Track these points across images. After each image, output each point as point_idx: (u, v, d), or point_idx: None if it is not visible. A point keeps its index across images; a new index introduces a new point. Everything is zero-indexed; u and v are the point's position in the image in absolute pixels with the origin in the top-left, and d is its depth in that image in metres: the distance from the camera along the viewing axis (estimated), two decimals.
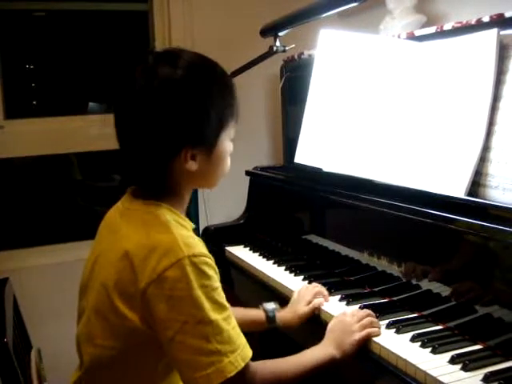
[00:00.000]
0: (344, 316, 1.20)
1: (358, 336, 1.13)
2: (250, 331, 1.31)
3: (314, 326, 1.30)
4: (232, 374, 0.91)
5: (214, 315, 0.91)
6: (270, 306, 1.34)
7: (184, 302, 0.90)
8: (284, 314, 1.33)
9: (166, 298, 0.90)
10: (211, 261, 0.95)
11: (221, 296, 0.94)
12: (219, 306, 0.93)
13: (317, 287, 1.37)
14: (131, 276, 0.92)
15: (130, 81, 0.97)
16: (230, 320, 0.94)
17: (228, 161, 1.05)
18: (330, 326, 1.19)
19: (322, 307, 1.31)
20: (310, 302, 1.33)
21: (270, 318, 1.32)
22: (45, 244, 2.22)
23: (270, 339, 1.62)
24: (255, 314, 1.34)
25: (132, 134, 0.97)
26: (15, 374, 0.94)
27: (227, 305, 0.96)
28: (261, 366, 1.00)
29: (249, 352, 0.96)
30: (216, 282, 0.94)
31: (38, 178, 2.38)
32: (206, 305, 0.90)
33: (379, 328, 1.17)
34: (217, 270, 0.96)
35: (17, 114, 2.22)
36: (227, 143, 1.03)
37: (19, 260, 2.15)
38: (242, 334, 0.97)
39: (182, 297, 0.90)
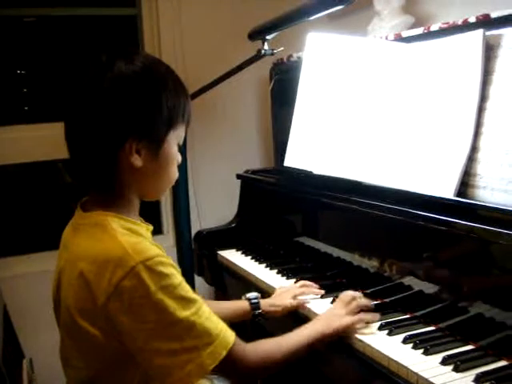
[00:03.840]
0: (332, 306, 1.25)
1: (348, 319, 1.16)
2: (237, 321, 1.31)
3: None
4: (213, 365, 0.89)
5: (183, 313, 0.89)
6: (253, 294, 1.37)
7: (146, 310, 0.87)
8: (268, 301, 1.36)
9: (127, 310, 0.87)
10: (165, 259, 0.92)
11: (186, 290, 0.92)
12: (186, 302, 0.90)
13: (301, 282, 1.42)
14: (89, 294, 0.89)
15: (81, 76, 0.96)
16: (201, 312, 0.92)
17: (175, 170, 1.03)
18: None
19: (312, 308, 1.31)
20: (295, 296, 1.36)
21: (254, 304, 1.34)
22: (36, 251, 2.20)
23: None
24: (239, 304, 1.36)
25: (80, 123, 0.95)
26: None
27: (195, 296, 0.93)
28: (251, 347, 0.99)
29: (230, 338, 0.94)
30: (176, 278, 0.91)
31: (28, 185, 2.36)
32: (172, 305, 0.88)
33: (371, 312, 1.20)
34: (174, 265, 0.93)
35: (8, 120, 2.21)
36: (175, 147, 1.01)
37: (10, 268, 2.12)
38: (219, 321, 0.95)
39: (143, 304, 0.87)
